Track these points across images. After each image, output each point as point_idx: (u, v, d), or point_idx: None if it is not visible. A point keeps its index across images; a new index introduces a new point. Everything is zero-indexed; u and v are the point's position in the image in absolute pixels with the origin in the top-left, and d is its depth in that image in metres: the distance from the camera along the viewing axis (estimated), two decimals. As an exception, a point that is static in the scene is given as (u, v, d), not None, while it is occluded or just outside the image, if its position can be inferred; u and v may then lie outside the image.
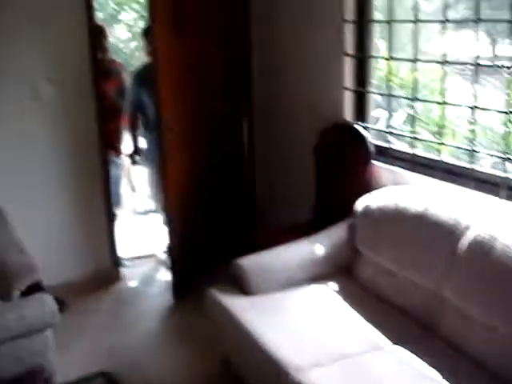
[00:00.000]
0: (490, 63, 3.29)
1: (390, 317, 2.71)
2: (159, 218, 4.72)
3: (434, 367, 2.30)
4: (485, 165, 3.08)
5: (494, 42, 4.23)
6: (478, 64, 2.76)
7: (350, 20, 3.41)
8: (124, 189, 4.64)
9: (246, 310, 2.74)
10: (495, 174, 2.79)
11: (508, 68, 2.78)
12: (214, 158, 4.13)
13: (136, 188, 5.89)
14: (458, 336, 2.47)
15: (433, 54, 5.07)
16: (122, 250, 4.41)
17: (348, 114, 3.56)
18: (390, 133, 3.42)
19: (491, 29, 3.99)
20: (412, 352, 2.41)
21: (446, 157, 3.12)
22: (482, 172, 2.85)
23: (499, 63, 3.36)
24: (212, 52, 4.00)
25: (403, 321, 2.68)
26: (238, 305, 2.79)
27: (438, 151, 3.07)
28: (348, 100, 3.54)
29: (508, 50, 3.81)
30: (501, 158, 2.74)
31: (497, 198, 2.69)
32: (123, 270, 4.40)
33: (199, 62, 3.91)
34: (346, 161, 3.49)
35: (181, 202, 3.87)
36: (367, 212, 3.01)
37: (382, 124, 3.68)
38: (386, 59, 3.40)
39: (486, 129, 3.84)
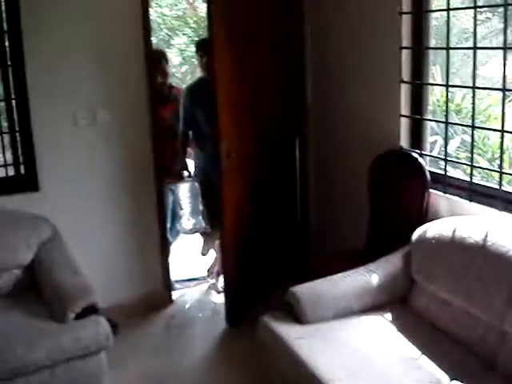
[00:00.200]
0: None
1: (446, 348, 2.63)
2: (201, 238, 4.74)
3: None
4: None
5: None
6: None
7: (407, 46, 3.39)
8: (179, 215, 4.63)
9: (300, 338, 2.70)
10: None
11: None
12: (268, 183, 4.11)
13: (183, 205, 5.90)
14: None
15: (489, 78, 5.00)
16: (173, 272, 4.40)
17: (404, 140, 3.52)
18: (446, 160, 3.36)
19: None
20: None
21: (507, 186, 3.04)
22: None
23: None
24: (267, 77, 3.97)
25: (460, 353, 2.59)
26: (292, 333, 2.75)
27: (500, 180, 2.98)
28: (404, 127, 3.51)
29: None
30: None
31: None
32: (174, 293, 4.40)
33: (257, 90, 3.88)
34: (401, 188, 3.45)
35: (237, 227, 3.84)
36: (424, 240, 2.95)
37: (435, 151, 3.64)
38: (444, 86, 3.36)
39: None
